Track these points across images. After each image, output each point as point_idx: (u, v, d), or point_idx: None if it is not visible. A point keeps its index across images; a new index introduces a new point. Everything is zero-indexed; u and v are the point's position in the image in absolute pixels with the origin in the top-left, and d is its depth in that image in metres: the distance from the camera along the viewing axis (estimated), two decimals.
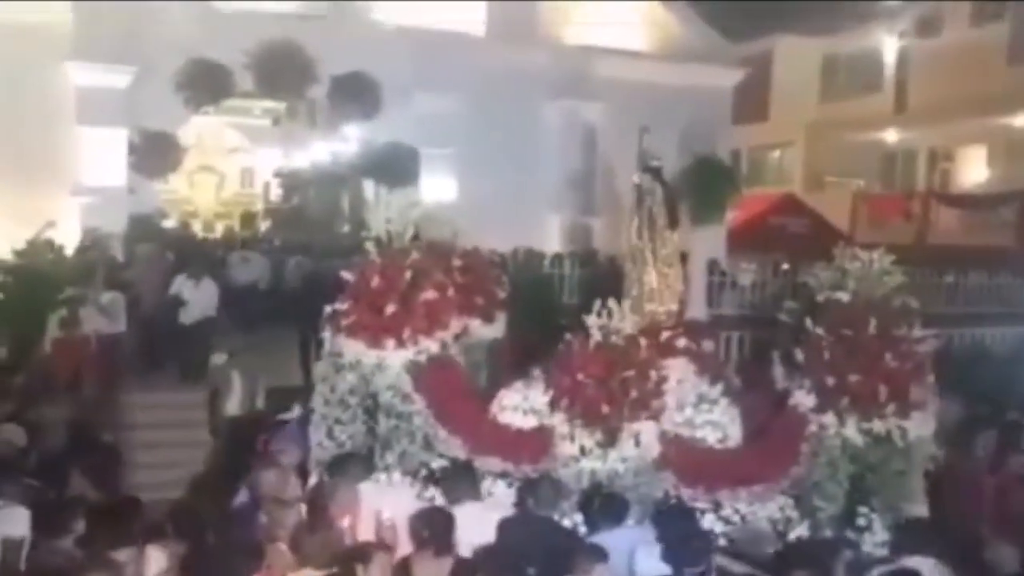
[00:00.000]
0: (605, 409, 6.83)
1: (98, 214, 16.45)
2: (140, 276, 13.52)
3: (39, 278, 13.35)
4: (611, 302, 7.10)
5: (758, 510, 7.10)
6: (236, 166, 23.16)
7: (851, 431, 7.05)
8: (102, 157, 17.11)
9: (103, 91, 16.84)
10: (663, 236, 8.78)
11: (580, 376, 6.91)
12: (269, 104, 19.77)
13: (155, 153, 17.59)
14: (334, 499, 6.58)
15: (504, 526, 6.47)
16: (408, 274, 7.42)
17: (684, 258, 16.09)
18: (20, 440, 8.41)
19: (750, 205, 22.27)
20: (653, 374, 7.03)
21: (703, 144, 19.77)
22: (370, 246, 7.60)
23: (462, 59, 18.62)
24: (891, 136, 28.29)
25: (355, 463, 7.19)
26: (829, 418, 7.10)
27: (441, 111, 18.64)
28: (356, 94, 18.16)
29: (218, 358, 12.44)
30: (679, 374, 7.87)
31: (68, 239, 15.79)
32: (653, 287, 8.76)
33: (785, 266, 16.95)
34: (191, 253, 14.08)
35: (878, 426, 6.99)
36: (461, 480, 6.93)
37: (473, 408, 7.50)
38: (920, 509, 7.15)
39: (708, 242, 18.95)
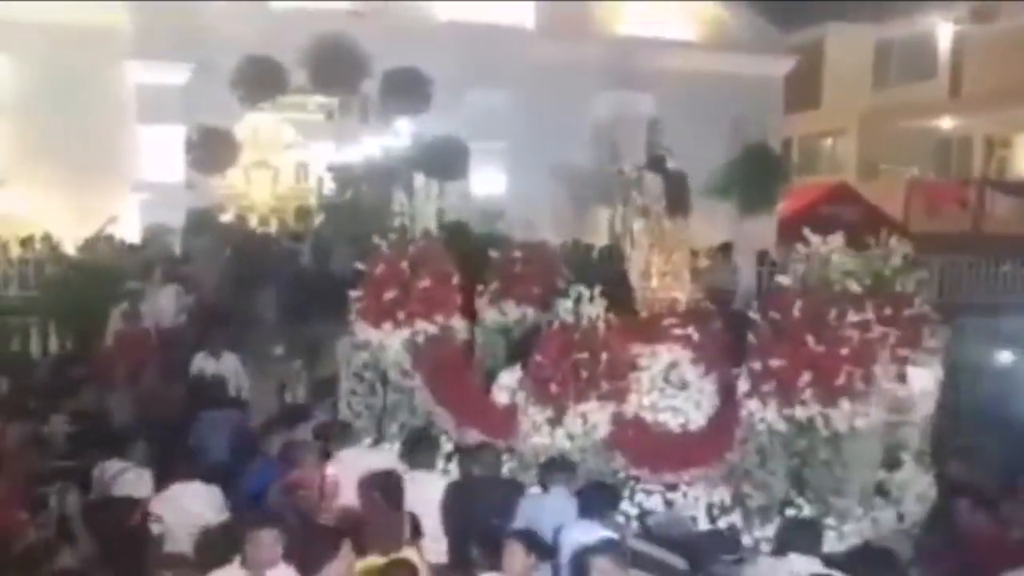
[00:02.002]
0: (553, 388, 7.25)
1: (158, 209, 16.85)
2: (198, 270, 13.82)
3: (101, 272, 13.75)
4: (581, 287, 7.43)
5: (702, 495, 7.19)
6: (290, 161, 23.42)
7: (772, 416, 6.87)
8: (161, 154, 17.55)
9: (161, 89, 17.26)
10: (659, 224, 8.86)
11: (538, 357, 7.39)
12: (322, 99, 20.02)
13: (212, 149, 17.96)
14: (306, 460, 7.10)
15: (449, 488, 6.99)
16: (405, 264, 8.23)
17: (728, 248, 16.19)
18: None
19: (801, 194, 22.19)
20: (604, 356, 7.27)
21: (754, 134, 19.75)
22: (377, 239, 8.45)
23: (512, 53, 18.74)
24: (946, 123, 27.88)
25: (337, 430, 7.86)
26: (755, 403, 6.98)
27: (491, 105, 18.80)
28: (407, 89, 18.36)
29: (277, 350, 12.61)
30: (671, 359, 8.25)
31: (129, 234, 16.24)
32: (642, 274, 8.92)
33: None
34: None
35: (799, 412, 6.78)
36: (422, 448, 7.43)
37: (463, 385, 8.19)
38: (848, 504, 6.89)
39: (758, 232, 18.98)
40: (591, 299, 7.37)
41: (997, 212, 23.89)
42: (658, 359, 8.36)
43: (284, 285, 14.49)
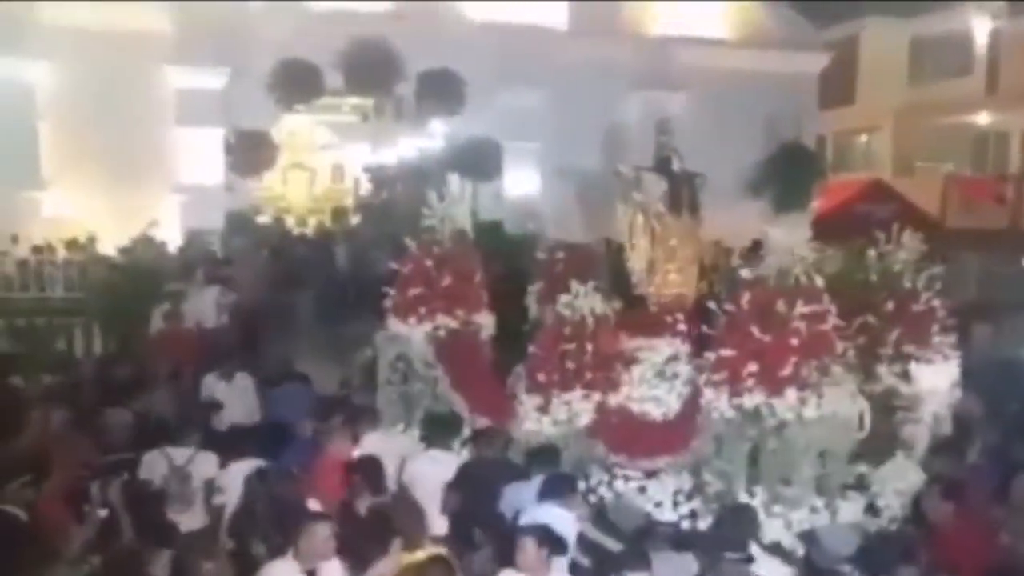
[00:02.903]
0: (541, 378, 7.77)
1: (197, 211, 17.14)
2: (238, 271, 14.01)
3: (143, 273, 14.00)
4: (574, 283, 7.91)
5: (670, 482, 7.39)
6: (327, 162, 23.65)
7: (723, 405, 7.01)
8: (200, 156, 17.84)
9: (200, 93, 17.54)
10: (661, 223, 9.02)
11: (533, 348, 8.01)
12: (357, 101, 20.20)
13: (250, 152, 18.22)
14: (334, 442, 7.67)
15: (463, 467, 7.42)
16: (430, 262, 8.87)
17: (758, 246, 16.22)
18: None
19: (836, 192, 22.04)
20: (590, 348, 7.68)
21: (788, 131, 19.65)
22: (408, 240, 9.05)
23: (545, 54, 18.83)
24: (983, 119, 27.57)
25: (364, 415, 8.40)
26: (710, 392, 7.13)
27: (525, 105, 18.90)
28: (442, 90, 18.49)
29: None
30: (670, 352, 8.64)
31: (170, 236, 16.51)
32: (645, 271, 9.12)
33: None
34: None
35: (747, 401, 6.88)
36: (438, 429, 7.98)
37: (478, 375, 8.72)
38: (798, 493, 6.95)
39: (791, 230, 18.90)
40: (586, 294, 7.81)
41: None
42: (657, 352, 8.70)
43: (320, 285, 14.70)
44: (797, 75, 21.89)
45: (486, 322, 9.23)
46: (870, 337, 8.19)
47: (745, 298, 7.06)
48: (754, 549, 6.05)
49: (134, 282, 13.70)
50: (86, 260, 15.44)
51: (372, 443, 7.87)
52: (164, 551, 5.55)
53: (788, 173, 19.10)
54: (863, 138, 30.92)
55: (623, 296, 9.06)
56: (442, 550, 6.02)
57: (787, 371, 6.82)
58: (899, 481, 7.49)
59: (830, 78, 23.56)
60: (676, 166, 9.33)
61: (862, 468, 7.53)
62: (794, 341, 6.86)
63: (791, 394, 6.82)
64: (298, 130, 21.96)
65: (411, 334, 8.87)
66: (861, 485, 7.42)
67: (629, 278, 9.30)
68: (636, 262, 9.25)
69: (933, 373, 8.09)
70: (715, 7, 21.55)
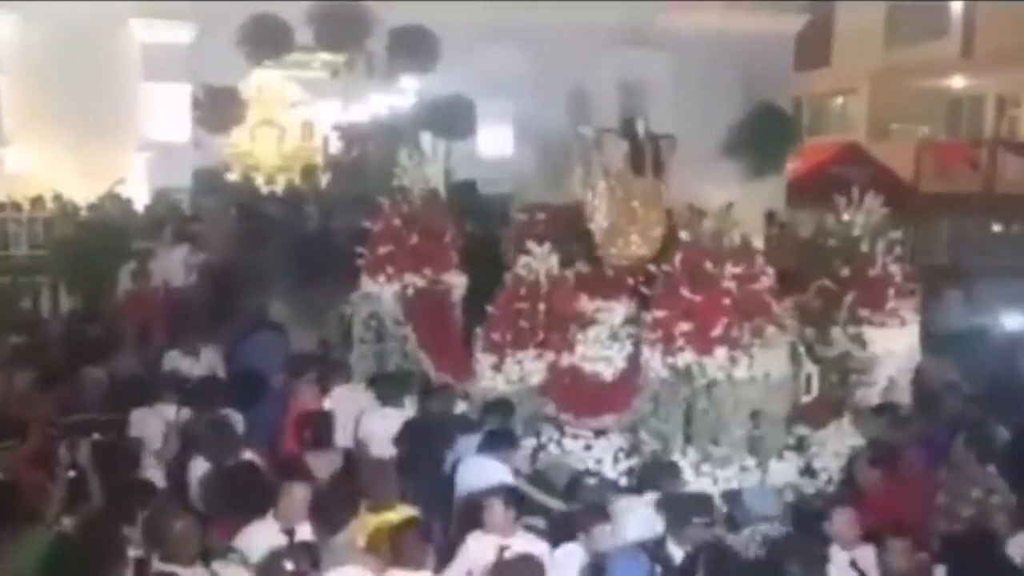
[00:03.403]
0: (496, 337, 8.05)
1: (164, 169, 16.89)
2: (207, 229, 13.83)
3: (110, 231, 13.80)
4: (532, 244, 8.19)
5: (613, 440, 7.54)
6: (296, 120, 23.30)
7: (657, 364, 7.11)
8: (167, 113, 17.53)
9: (167, 47, 17.23)
10: (624, 183, 9.01)
11: (491, 308, 8.25)
12: (328, 57, 19.89)
13: (218, 108, 17.94)
14: (303, 394, 8.06)
15: (406, 423, 7.59)
16: (398, 221, 9.12)
17: (730, 207, 16.13)
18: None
19: (811, 155, 22.07)
20: (542, 308, 7.93)
21: (765, 92, 19.58)
22: (382, 198, 9.29)
23: (520, 10, 18.55)
24: (958, 82, 27.57)
25: (333, 369, 8.69)
26: (647, 352, 7.24)
27: (500, 63, 18.63)
28: (414, 46, 18.25)
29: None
30: (626, 313, 8.66)
31: (136, 193, 16.24)
32: (606, 232, 9.12)
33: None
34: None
35: (679, 360, 6.97)
36: (389, 387, 8.23)
37: (443, 333, 8.95)
38: (727, 452, 7.04)
39: (766, 193, 18.90)
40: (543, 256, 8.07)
41: (1008, 173, 23.72)
42: (615, 314, 8.75)
43: (290, 244, 14.50)
44: (774, 35, 21.71)
45: (456, 282, 9.39)
46: (826, 301, 8.26)
47: (677, 259, 7.16)
48: None
49: (101, 240, 13.51)
50: (52, 217, 15.16)
51: (339, 397, 8.20)
52: (135, 512, 5.47)
53: (763, 135, 19.13)
54: (838, 100, 30.89)
55: (588, 258, 9.19)
56: (412, 511, 5.95)
57: (717, 331, 6.90)
58: (839, 444, 7.53)
59: (806, 40, 23.40)
60: (640, 128, 9.29)
61: (803, 430, 7.58)
62: (725, 301, 6.93)
63: (721, 354, 6.90)
64: (267, 86, 21.61)
65: (381, 292, 9.14)
66: (800, 447, 7.47)
67: (589, 240, 9.36)
68: (597, 224, 9.26)
69: (888, 338, 8.17)
70: None
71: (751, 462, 7.11)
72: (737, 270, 6.96)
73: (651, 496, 6.24)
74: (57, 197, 15.78)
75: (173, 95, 17.57)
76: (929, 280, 17.18)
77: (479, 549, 5.70)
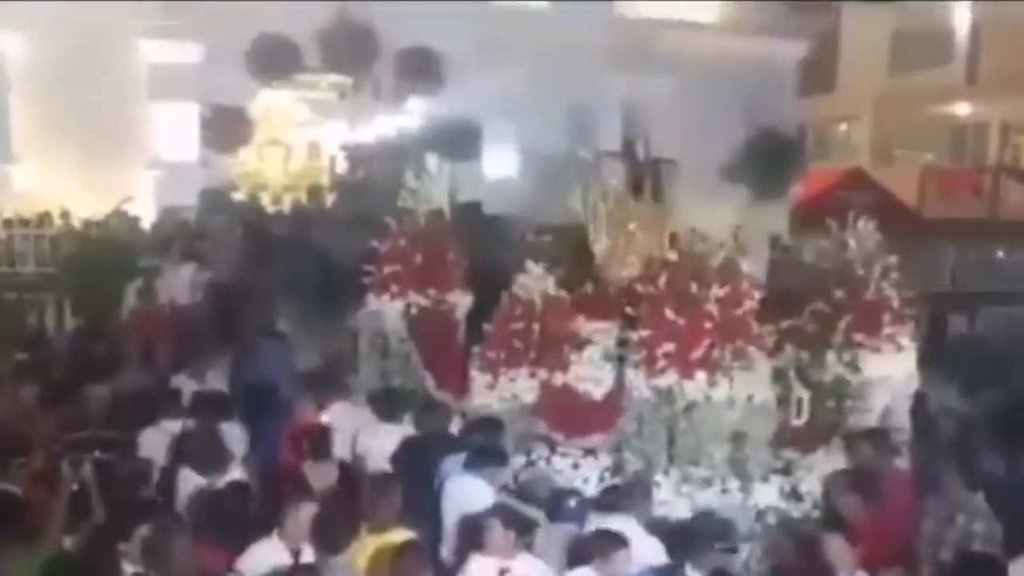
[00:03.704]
0: (490, 355, 8.14)
1: (171, 187, 16.97)
2: (214, 248, 13.86)
3: (117, 249, 13.84)
4: (530, 264, 8.27)
5: (601, 459, 7.56)
6: (303, 139, 23.35)
7: (641, 385, 7.14)
8: (175, 132, 17.67)
9: (175, 67, 17.31)
10: (622, 206, 9.08)
11: (486, 327, 8.35)
12: (335, 78, 20.01)
13: (226, 127, 18.07)
14: (297, 412, 8.20)
15: (403, 441, 7.63)
16: (404, 241, 9.29)
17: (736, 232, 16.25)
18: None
19: (815, 180, 22.12)
20: (536, 328, 7.98)
21: (768, 118, 19.67)
22: (388, 218, 9.44)
23: (527, 34, 18.69)
24: (962, 109, 27.68)
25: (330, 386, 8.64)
26: (632, 372, 7.28)
27: (504, 86, 18.74)
28: (421, 69, 18.38)
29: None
30: (620, 335, 8.66)
31: (143, 212, 16.32)
32: (606, 254, 9.27)
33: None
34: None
35: (661, 382, 6.99)
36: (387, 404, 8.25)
37: (444, 352, 9.09)
38: (706, 474, 7.02)
39: (771, 217, 18.94)
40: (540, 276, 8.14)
41: (1012, 199, 23.76)
42: (611, 335, 8.81)
43: (295, 264, 14.55)
44: (777, 61, 21.87)
45: (460, 301, 9.49)
46: (821, 324, 8.22)
47: (662, 280, 7.17)
48: (634, 524, 6.10)
49: (107, 257, 13.55)
50: (59, 235, 15.23)
51: (337, 412, 8.19)
52: (131, 528, 5.47)
53: (767, 160, 19.18)
54: (842, 126, 30.97)
55: (589, 279, 9.30)
56: (410, 533, 5.91)
57: (698, 353, 6.91)
58: (827, 468, 7.39)
59: (811, 65, 23.54)
60: (641, 151, 9.38)
61: (791, 454, 7.54)
62: (707, 324, 6.94)
63: (701, 376, 6.91)
64: (274, 106, 21.68)
65: (386, 311, 9.33)
66: (787, 471, 7.42)
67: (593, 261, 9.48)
68: (597, 245, 9.34)
69: (883, 363, 8.06)
70: None
71: (734, 484, 7.08)
72: (721, 293, 6.98)
73: (624, 516, 6.19)
74: (64, 215, 15.87)
75: (181, 114, 17.74)
76: (933, 306, 17.32)
77: (480, 572, 5.69)
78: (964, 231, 21.72)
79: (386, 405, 8.21)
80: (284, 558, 5.43)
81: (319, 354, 10.92)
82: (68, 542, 5.86)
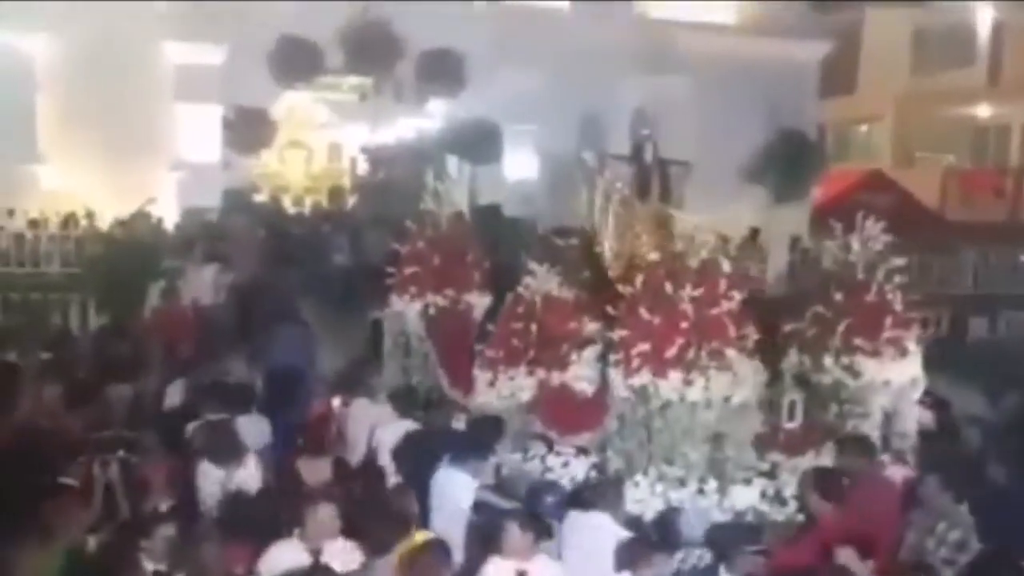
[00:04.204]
0: (491, 354, 8.30)
1: (193, 188, 17.10)
2: (233, 249, 13.98)
3: (140, 249, 13.98)
4: (534, 265, 8.38)
5: (590, 457, 7.55)
6: (324, 141, 23.53)
7: (619, 384, 7.17)
8: (198, 133, 17.79)
9: (199, 69, 17.43)
10: (629, 208, 9.09)
11: (490, 327, 8.61)
12: (356, 80, 20.12)
13: (249, 129, 18.18)
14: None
15: (405, 436, 7.76)
16: (422, 243, 9.58)
17: (755, 233, 16.34)
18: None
19: (836, 181, 22.07)
20: (534, 327, 8.11)
21: (789, 119, 19.63)
22: (408, 220, 9.74)
23: (547, 35, 18.74)
24: (983, 111, 27.51)
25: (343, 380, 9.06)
26: (611, 371, 7.31)
27: (525, 88, 18.79)
28: (442, 71, 18.43)
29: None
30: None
31: (166, 213, 16.48)
32: (613, 255, 9.30)
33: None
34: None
35: (636, 381, 7.01)
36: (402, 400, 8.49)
37: (459, 351, 9.17)
38: (681, 474, 7.02)
39: (791, 219, 18.91)
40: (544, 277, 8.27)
41: None
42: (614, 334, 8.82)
43: (316, 265, 14.69)
44: (798, 62, 21.79)
45: (478, 302, 9.72)
46: (821, 328, 8.18)
47: (639, 280, 7.21)
48: (609, 521, 6.18)
49: (131, 258, 13.69)
50: (83, 235, 15.40)
51: (357, 408, 8.56)
52: (153, 526, 5.58)
53: (787, 162, 19.15)
54: (863, 128, 30.86)
55: (600, 279, 9.39)
56: (432, 533, 6.01)
57: (672, 353, 6.93)
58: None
59: (832, 66, 23.45)
60: (649, 154, 9.37)
61: (777, 457, 7.49)
62: (682, 324, 6.95)
63: (675, 376, 6.93)
64: (296, 108, 21.85)
65: (407, 311, 9.63)
66: (772, 473, 7.36)
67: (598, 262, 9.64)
68: (604, 246, 9.45)
69: (883, 368, 7.98)
70: None
71: (712, 485, 7.06)
72: (696, 293, 6.98)
73: (599, 513, 6.28)
74: (89, 215, 16.04)
75: (204, 116, 17.84)
76: (953, 309, 17.27)
77: (498, 574, 5.71)
78: (986, 233, 21.61)
79: (403, 402, 8.42)
80: (303, 559, 5.49)
81: (342, 353, 11.08)
82: (92, 540, 5.96)
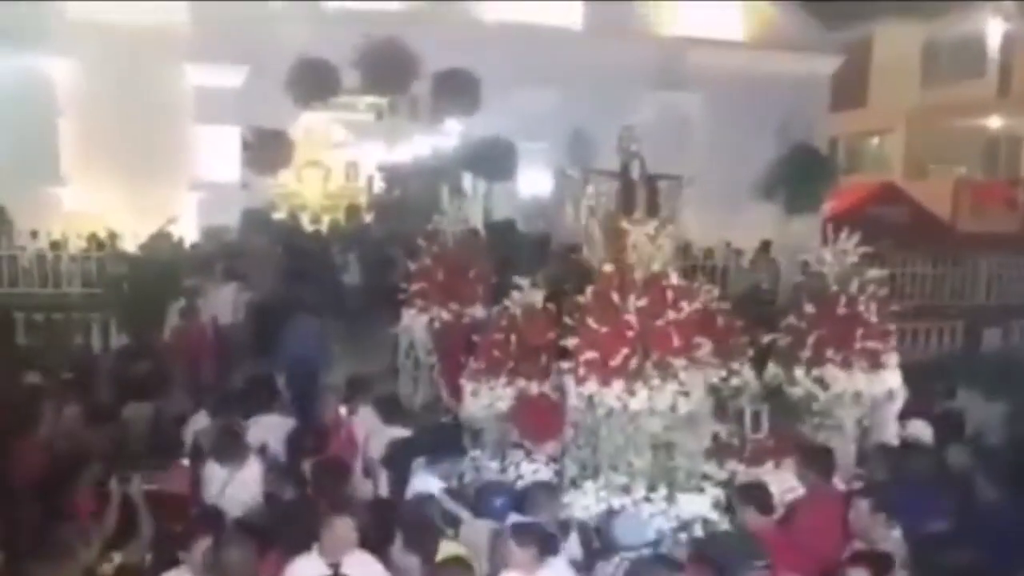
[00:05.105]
0: (474, 365, 8.47)
1: (213, 208, 17.30)
2: (252, 268, 14.14)
3: (161, 269, 14.16)
4: (520, 279, 8.50)
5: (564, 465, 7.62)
6: (341, 160, 23.80)
7: (571, 392, 7.24)
8: (217, 154, 18.01)
9: (218, 91, 17.66)
10: (615, 224, 9.14)
11: (475, 338, 8.75)
12: (373, 99, 20.32)
13: (268, 150, 18.36)
14: (328, 413, 9.06)
15: (389, 443, 8.24)
16: (429, 260, 9.96)
17: (767, 246, 16.39)
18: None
19: (848, 194, 22.17)
20: (513, 339, 8.24)
21: (801, 132, 19.75)
22: (421, 240, 10.13)
23: (560, 54, 18.93)
24: (994, 122, 27.59)
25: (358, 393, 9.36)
26: (565, 379, 7.37)
27: (539, 106, 18.96)
28: (457, 90, 18.58)
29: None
30: None
31: (186, 232, 16.70)
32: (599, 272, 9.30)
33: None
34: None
35: (585, 389, 7.08)
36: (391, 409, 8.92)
37: (459, 363, 9.16)
38: (624, 481, 7.06)
39: (803, 232, 18.98)
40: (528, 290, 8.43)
41: None
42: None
43: (333, 283, 14.87)
44: (809, 77, 21.94)
45: (481, 316, 9.93)
46: (794, 339, 8.20)
47: (589, 290, 7.30)
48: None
49: (152, 277, 13.86)
50: (104, 255, 15.61)
51: (361, 416, 9.01)
52: (192, 538, 5.69)
53: (799, 175, 19.23)
54: (875, 140, 30.96)
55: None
56: (460, 549, 6.10)
57: (616, 362, 6.99)
58: (774, 485, 7.18)
59: (842, 80, 23.59)
60: (635, 171, 9.40)
61: (736, 466, 7.56)
62: (628, 333, 7.01)
63: (618, 384, 6.99)
64: (314, 128, 22.10)
65: (414, 324, 10.01)
66: (728, 484, 7.34)
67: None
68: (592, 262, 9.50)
69: (853, 380, 7.97)
70: (728, 8, 21.62)
71: (661, 493, 7.06)
72: (640, 303, 7.04)
73: (534, 517, 6.37)
74: (111, 235, 16.26)
75: (224, 137, 18.06)
76: (966, 319, 17.32)
77: None
78: (998, 244, 21.67)
79: (386, 409, 8.84)
80: (324, 572, 5.62)
81: (359, 367, 11.26)
82: (117, 557, 6.11)
